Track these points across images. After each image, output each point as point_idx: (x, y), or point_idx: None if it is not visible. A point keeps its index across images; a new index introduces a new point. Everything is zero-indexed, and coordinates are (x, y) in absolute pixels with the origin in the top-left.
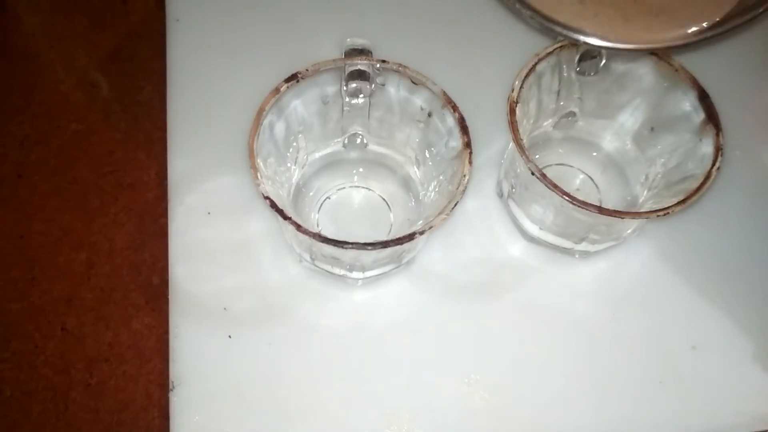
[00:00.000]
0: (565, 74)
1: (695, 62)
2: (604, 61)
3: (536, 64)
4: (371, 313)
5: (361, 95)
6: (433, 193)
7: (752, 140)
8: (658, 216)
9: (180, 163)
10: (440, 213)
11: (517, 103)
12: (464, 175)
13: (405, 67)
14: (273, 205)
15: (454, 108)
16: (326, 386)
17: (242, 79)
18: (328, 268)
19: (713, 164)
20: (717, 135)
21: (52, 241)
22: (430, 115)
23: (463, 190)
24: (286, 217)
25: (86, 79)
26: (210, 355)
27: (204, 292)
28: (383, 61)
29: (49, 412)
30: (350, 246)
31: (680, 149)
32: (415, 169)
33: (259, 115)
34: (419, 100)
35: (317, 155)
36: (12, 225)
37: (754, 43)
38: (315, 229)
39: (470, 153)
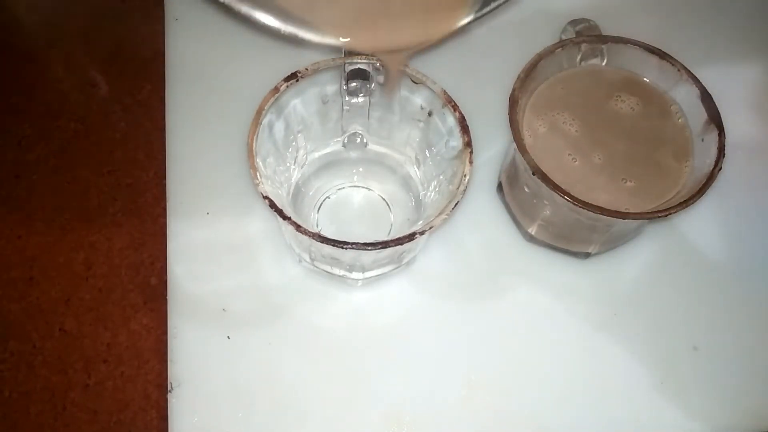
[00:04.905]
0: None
1: (697, 62)
2: (606, 60)
3: (537, 62)
4: (371, 314)
5: (361, 94)
6: (433, 193)
7: (754, 141)
8: (659, 217)
9: (179, 163)
10: (440, 213)
11: (518, 101)
12: (465, 175)
13: (405, 66)
14: (272, 205)
15: (455, 107)
16: (326, 387)
17: (241, 79)
18: (328, 268)
19: (715, 165)
20: (719, 135)
21: (50, 241)
22: (430, 114)
23: (464, 190)
24: (285, 217)
25: (86, 79)
26: (209, 356)
27: (203, 293)
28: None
29: (47, 412)
30: (350, 246)
31: None
32: (415, 168)
33: (259, 114)
34: (419, 100)
35: (317, 155)
36: (11, 225)
37: (757, 42)
38: (314, 229)
39: (471, 152)
